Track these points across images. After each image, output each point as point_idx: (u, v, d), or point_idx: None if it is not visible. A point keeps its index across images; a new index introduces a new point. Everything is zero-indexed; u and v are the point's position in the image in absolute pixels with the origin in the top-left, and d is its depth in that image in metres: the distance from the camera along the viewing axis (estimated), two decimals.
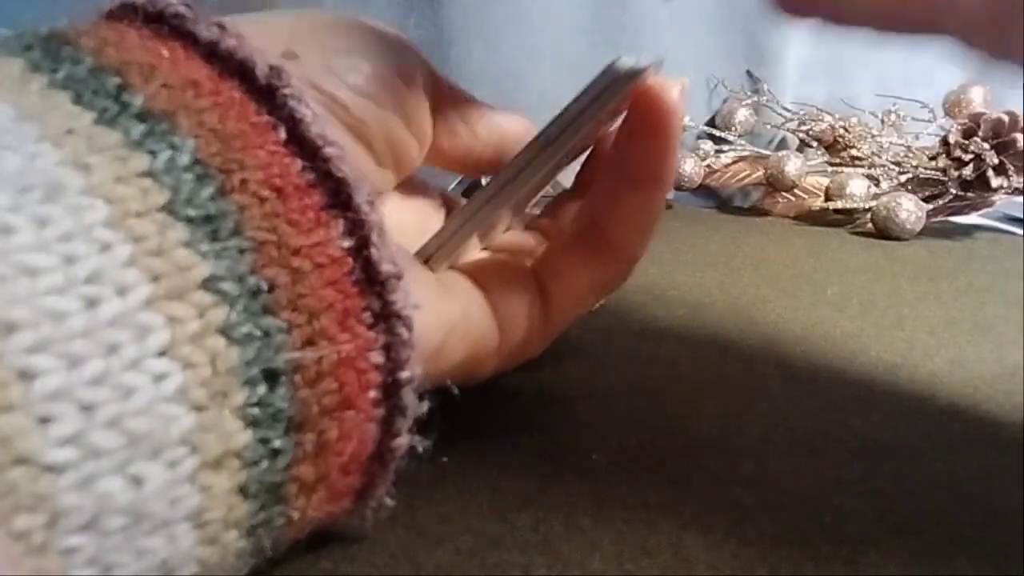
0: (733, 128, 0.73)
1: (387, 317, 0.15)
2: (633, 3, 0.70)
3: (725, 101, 0.75)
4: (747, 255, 0.49)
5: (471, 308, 0.19)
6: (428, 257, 0.20)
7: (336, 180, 0.15)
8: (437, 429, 0.16)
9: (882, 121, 0.71)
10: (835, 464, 0.21)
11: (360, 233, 0.15)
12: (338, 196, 0.15)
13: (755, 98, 0.73)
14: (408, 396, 0.15)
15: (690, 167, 0.68)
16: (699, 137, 0.75)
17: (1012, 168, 0.54)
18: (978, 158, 0.55)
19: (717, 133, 0.73)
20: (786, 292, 0.39)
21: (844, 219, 0.64)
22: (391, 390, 0.15)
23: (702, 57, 0.74)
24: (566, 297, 0.21)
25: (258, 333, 0.13)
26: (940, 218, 0.60)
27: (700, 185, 0.70)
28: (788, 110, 0.73)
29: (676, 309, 0.34)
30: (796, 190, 0.67)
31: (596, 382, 0.27)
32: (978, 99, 0.65)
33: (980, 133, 0.55)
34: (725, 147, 0.71)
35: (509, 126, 0.22)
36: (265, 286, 0.13)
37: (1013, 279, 0.44)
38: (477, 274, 0.20)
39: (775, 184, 0.66)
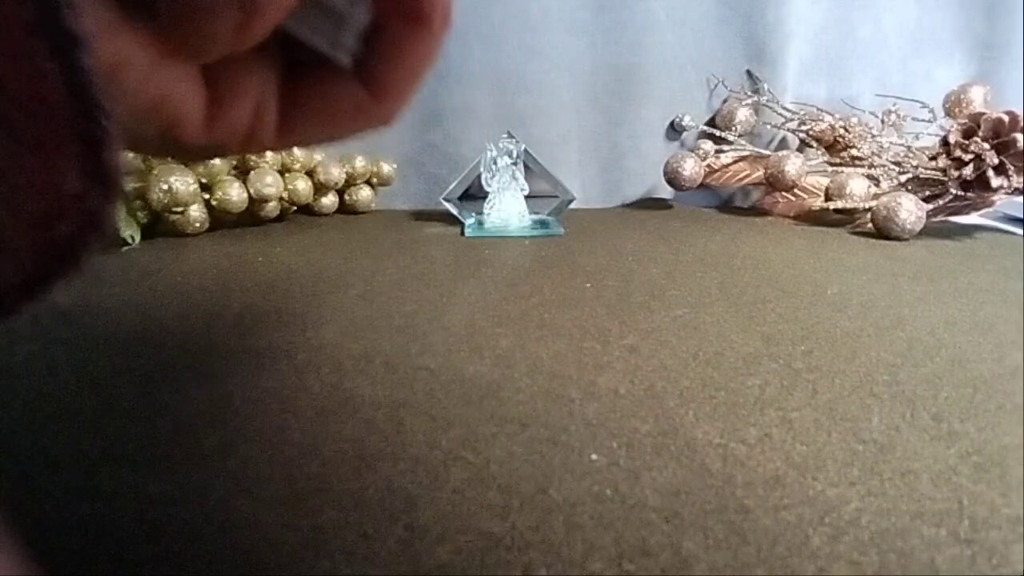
0: (733, 128, 0.73)
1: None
2: (633, 3, 0.70)
3: (725, 101, 0.75)
4: (747, 255, 0.49)
5: (168, 66, 0.16)
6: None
7: None
8: None
9: (882, 121, 0.71)
10: (834, 464, 0.21)
11: None
12: None
13: (755, 98, 0.73)
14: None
15: (690, 167, 0.68)
16: (699, 137, 0.75)
17: (1012, 168, 0.54)
18: (978, 158, 0.55)
19: (717, 133, 0.73)
20: (786, 292, 0.39)
21: (844, 219, 0.64)
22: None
23: (702, 57, 0.74)
24: (319, 110, 0.20)
25: None
26: (940, 218, 0.60)
27: (700, 185, 0.70)
28: (788, 110, 0.73)
29: (676, 309, 0.34)
30: (796, 190, 0.67)
31: (596, 382, 0.27)
32: (978, 99, 0.65)
33: (980, 133, 0.55)
34: (725, 147, 0.71)
35: None
36: None
37: (1013, 279, 0.44)
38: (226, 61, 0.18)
39: (775, 184, 0.66)
